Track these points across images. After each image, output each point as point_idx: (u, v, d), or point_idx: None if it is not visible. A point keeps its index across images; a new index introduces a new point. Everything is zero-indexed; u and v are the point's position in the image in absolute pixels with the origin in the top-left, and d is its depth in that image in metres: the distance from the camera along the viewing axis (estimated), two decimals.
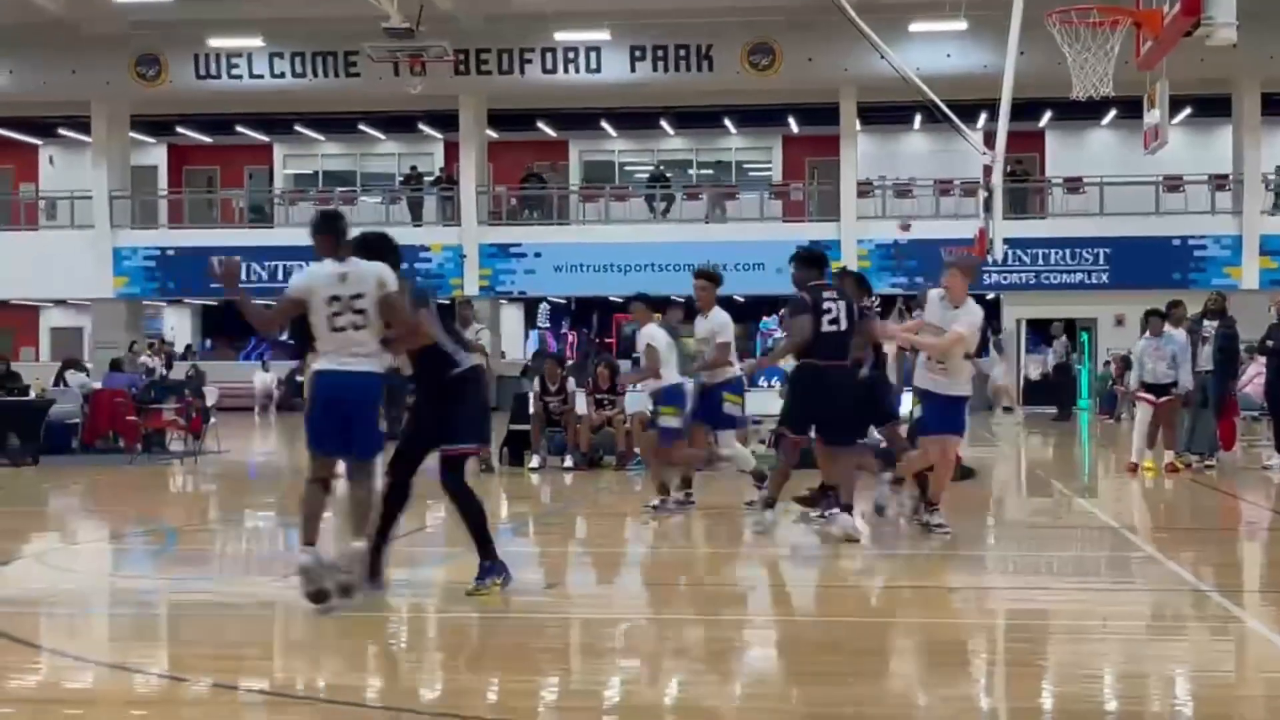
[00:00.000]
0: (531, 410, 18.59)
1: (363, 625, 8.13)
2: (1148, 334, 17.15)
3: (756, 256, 32.66)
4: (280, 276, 35.02)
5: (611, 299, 38.18)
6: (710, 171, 41.45)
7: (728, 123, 40.96)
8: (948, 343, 10.76)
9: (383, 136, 42.87)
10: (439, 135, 41.37)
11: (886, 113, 36.86)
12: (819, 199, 37.39)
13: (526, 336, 41.07)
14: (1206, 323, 18.02)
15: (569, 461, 18.14)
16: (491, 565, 8.66)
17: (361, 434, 8.45)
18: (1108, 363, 31.46)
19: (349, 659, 7.46)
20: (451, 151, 38.87)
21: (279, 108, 37.17)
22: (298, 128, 41.76)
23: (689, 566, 10.94)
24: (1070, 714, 6.29)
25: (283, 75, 34.24)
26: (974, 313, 11.00)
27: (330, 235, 8.62)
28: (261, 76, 34.31)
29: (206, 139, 43.26)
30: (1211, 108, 34.91)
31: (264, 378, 36.17)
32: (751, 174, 42.19)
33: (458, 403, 8.65)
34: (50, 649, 7.69)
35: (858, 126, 35.65)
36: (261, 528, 13.71)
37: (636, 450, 18.49)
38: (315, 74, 34.10)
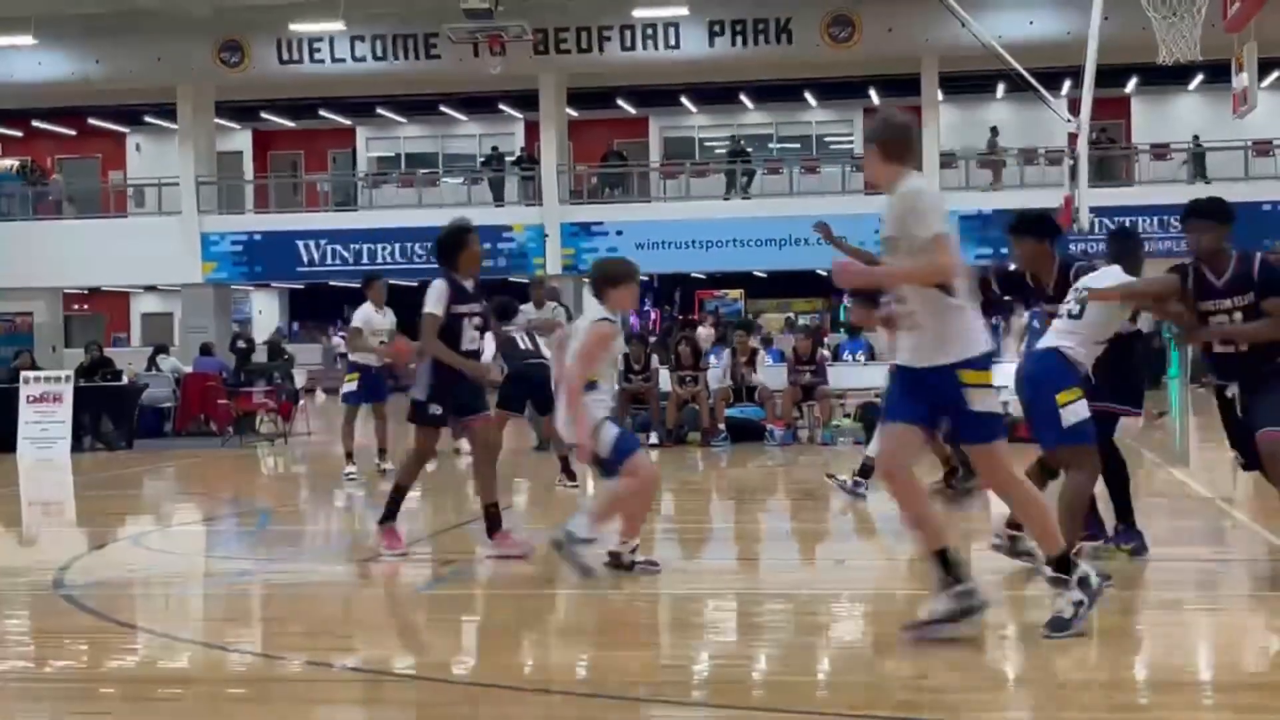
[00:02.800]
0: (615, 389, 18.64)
1: (452, 603, 8.19)
2: None
3: (838, 230, 32.36)
4: (365, 260, 35.33)
5: (693, 275, 38.13)
6: (793, 145, 41.19)
7: (808, 95, 40.72)
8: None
9: (464, 117, 43.03)
10: (519, 115, 41.47)
11: (969, 81, 36.48)
12: None
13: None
14: None
15: (654, 439, 18.16)
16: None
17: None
18: None
19: (441, 636, 7.52)
20: (532, 131, 38.94)
21: (360, 91, 37.40)
22: (379, 110, 42.03)
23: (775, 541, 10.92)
24: (1160, 684, 6.24)
25: (364, 59, 34.44)
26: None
27: None
28: (343, 60, 34.54)
29: (290, 124, 43.63)
30: None
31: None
32: (833, 147, 41.93)
33: None
34: (147, 629, 7.81)
35: (939, 96, 35.31)
36: (351, 508, 13.83)
37: (720, 426, 18.54)
38: (396, 56, 34.28)
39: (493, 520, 9.43)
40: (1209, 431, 19.33)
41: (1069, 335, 8.16)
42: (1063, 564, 6.75)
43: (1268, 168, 34.15)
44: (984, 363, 6.65)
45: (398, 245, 34.98)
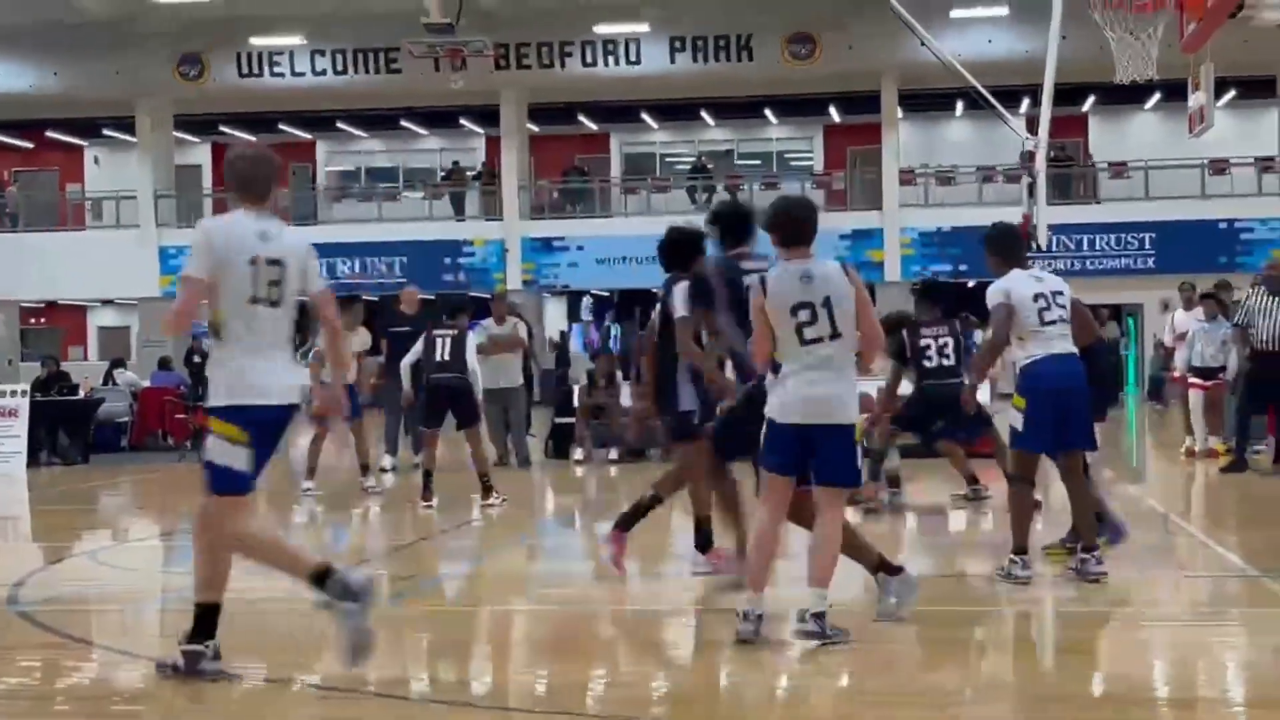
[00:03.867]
0: (577, 403, 18.64)
1: (411, 622, 8.16)
2: (1201, 316, 17.00)
3: None
4: (324, 274, 35.03)
5: (655, 291, 38.19)
6: (753, 162, 41.32)
7: (768, 112, 40.86)
8: None
9: (424, 132, 42.98)
10: (480, 130, 41.44)
11: (929, 100, 36.69)
12: (861, 187, 37.25)
13: (570, 330, 41.12)
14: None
15: (614, 454, 18.16)
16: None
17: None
18: (1158, 345, 31.21)
19: (400, 654, 7.49)
20: (493, 146, 38.93)
21: (321, 105, 37.34)
22: (340, 125, 41.93)
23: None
24: (1115, 698, 6.28)
25: (324, 73, 34.39)
26: None
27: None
28: (303, 74, 34.48)
29: (249, 137, 43.43)
30: (1256, 90, 34.62)
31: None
32: (793, 164, 42.06)
33: None
34: (103, 645, 7.75)
35: (899, 114, 35.50)
36: (309, 523, 13.76)
37: None
38: (356, 71, 34.24)
39: (704, 537, 9.29)
40: (1163, 447, 19.48)
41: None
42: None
43: (1223, 186, 34.46)
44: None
45: (357, 260, 34.89)
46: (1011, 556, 8.61)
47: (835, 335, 6.96)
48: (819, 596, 6.93)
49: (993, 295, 8.75)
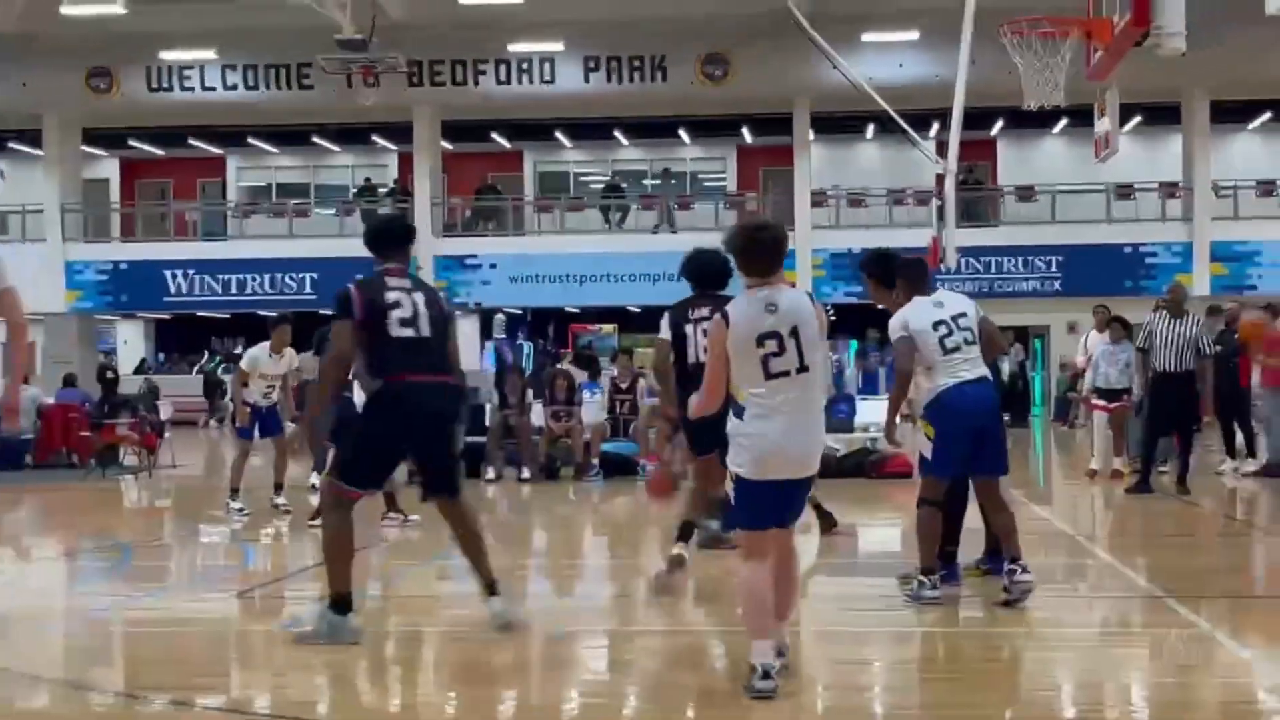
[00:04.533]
0: (489, 423, 18.56)
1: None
2: (1107, 339, 17.26)
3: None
4: (234, 290, 34.93)
5: (568, 309, 38.15)
6: (668, 181, 41.45)
7: (682, 133, 41.02)
8: None
9: (337, 148, 42.73)
10: (393, 147, 41.26)
11: (840, 122, 36.98)
12: (773, 208, 37.45)
13: (483, 348, 40.95)
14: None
15: (525, 474, 18.11)
16: None
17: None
18: (1063, 367, 31.62)
19: (306, 675, 7.42)
20: (406, 163, 38.76)
21: (232, 120, 36.98)
22: (251, 140, 41.58)
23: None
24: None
25: (235, 88, 34.09)
26: None
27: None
28: (214, 89, 34.15)
29: (159, 152, 43.01)
30: (1161, 116, 35.20)
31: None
32: (706, 184, 42.23)
33: None
34: (3, 667, 7.61)
35: (811, 136, 35.76)
36: (216, 543, 13.61)
37: (594, 461, 18.53)
38: (268, 86, 33.97)
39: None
40: (1069, 468, 19.74)
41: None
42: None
43: (1129, 211, 34.99)
44: None
45: (268, 276, 34.60)
46: (920, 577, 8.67)
47: (803, 369, 6.50)
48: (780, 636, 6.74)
49: (893, 329, 8.77)
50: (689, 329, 9.41)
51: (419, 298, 8.08)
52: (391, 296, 7.99)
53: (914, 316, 8.68)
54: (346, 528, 7.83)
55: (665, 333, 9.54)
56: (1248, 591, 10.11)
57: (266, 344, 14.87)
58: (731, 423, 6.58)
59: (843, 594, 9.78)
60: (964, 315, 8.71)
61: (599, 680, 7.35)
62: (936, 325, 8.61)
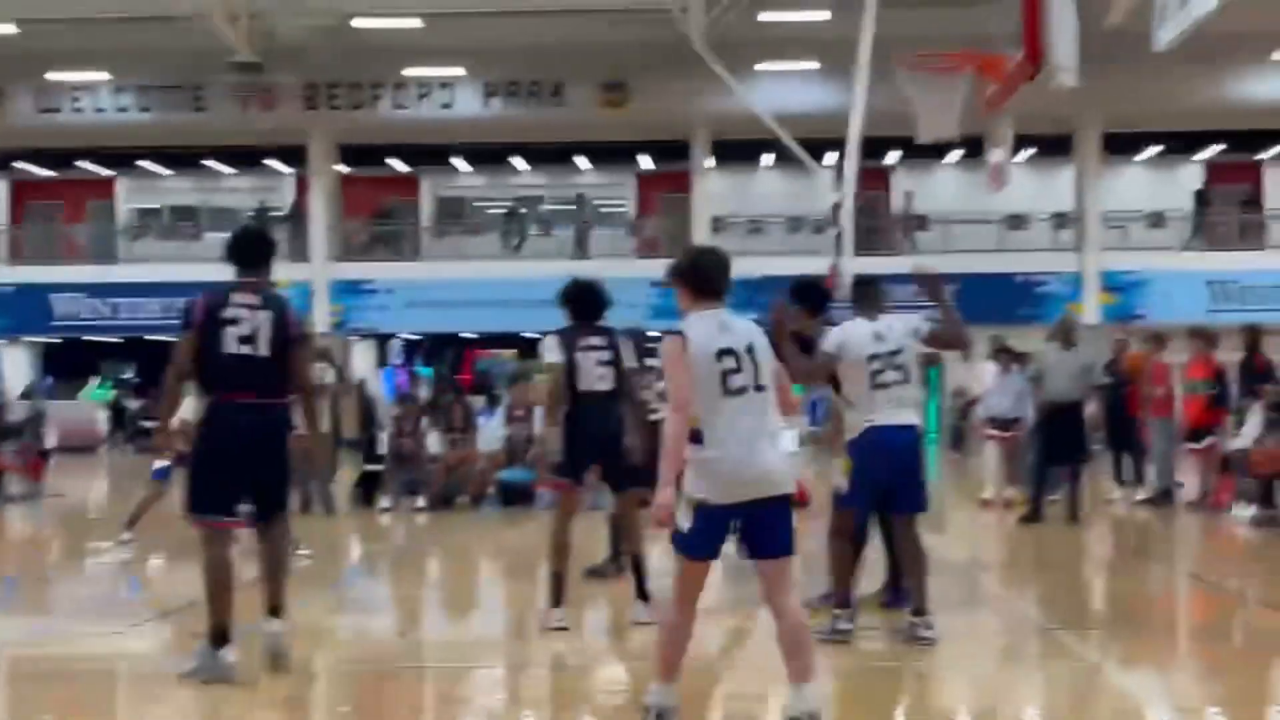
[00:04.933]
0: (385, 450, 18.34)
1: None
2: (998, 369, 17.44)
3: (611, 292, 32.56)
4: (124, 314, 34.36)
5: (465, 335, 38.00)
6: (567, 207, 41.39)
7: (582, 159, 41.01)
8: None
9: (230, 171, 42.22)
10: (289, 170, 40.86)
11: (739, 149, 37.14)
12: (673, 235, 37.51)
13: (380, 374, 40.64)
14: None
15: (421, 502, 17.91)
16: None
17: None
18: (957, 395, 31.92)
19: (190, 713, 7.26)
20: (301, 186, 38.40)
21: (123, 142, 36.36)
22: (141, 163, 40.95)
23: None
24: None
25: (126, 109, 33.63)
26: None
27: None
28: (104, 110, 33.67)
29: (48, 173, 42.27)
30: (1054, 147, 35.72)
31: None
32: (605, 211, 42.23)
33: None
34: None
35: (710, 163, 35.89)
36: (104, 574, 13.32)
37: (490, 490, 18.36)
38: (160, 108, 33.54)
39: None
40: (962, 497, 19.90)
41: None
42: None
43: (1021, 241, 35.48)
44: None
45: (159, 300, 34.08)
46: (835, 610, 8.64)
47: (760, 387, 6.34)
48: (815, 692, 6.29)
49: (828, 343, 8.64)
50: (578, 356, 9.33)
51: (263, 316, 7.83)
52: (231, 312, 7.81)
53: (853, 345, 8.57)
54: (219, 560, 7.64)
55: (558, 356, 9.38)
56: (1138, 621, 10.21)
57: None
58: (690, 449, 6.26)
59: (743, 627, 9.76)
60: (899, 353, 8.56)
61: (495, 714, 7.26)
62: (871, 359, 8.51)
